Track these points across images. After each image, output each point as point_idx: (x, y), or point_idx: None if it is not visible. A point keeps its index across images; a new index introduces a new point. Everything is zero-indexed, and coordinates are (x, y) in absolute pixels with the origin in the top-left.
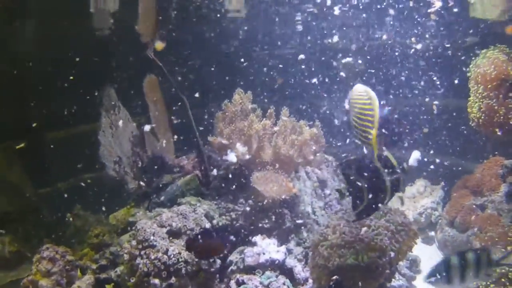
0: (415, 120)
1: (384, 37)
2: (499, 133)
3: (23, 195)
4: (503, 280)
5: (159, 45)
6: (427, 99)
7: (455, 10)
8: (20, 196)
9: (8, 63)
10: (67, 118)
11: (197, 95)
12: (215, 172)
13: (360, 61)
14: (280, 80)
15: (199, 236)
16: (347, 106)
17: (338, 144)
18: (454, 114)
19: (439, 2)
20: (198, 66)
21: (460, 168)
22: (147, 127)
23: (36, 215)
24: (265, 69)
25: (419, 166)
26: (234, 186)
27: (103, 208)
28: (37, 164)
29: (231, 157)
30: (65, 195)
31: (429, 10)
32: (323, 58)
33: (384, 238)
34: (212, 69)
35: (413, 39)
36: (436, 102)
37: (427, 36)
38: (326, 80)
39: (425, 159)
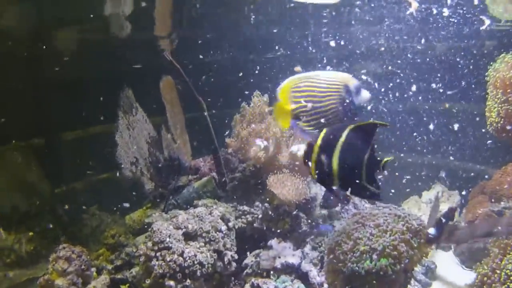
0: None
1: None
2: None
3: (40, 194)
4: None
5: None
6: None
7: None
8: (37, 195)
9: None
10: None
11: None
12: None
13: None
14: None
15: None
16: None
17: None
18: (471, 118)
19: (488, 20)
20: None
21: (477, 174)
22: None
23: (53, 214)
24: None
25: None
26: (250, 189)
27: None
28: (54, 163)
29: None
30: (82, 195)
31: (481, 28)
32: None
33: (400, 243)
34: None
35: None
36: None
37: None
38: None
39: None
